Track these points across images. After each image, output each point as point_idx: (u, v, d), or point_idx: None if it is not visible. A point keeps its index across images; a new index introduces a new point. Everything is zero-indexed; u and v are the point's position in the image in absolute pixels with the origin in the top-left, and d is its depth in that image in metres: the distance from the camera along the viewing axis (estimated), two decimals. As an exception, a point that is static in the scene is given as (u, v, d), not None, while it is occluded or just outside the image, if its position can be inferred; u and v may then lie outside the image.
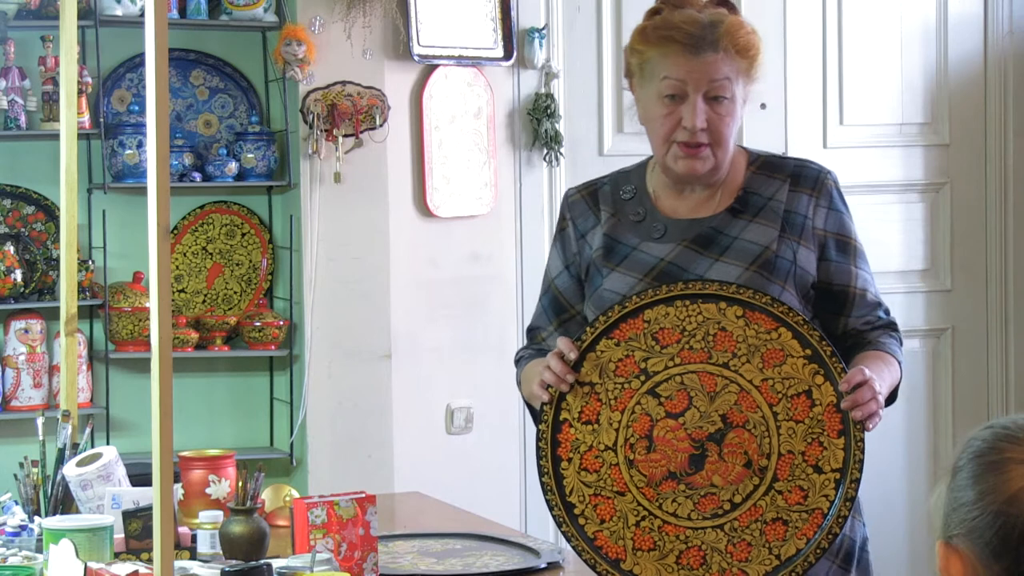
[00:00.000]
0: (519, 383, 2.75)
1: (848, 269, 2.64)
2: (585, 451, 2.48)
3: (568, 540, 2.47)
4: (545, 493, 2.49)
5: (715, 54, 2.53)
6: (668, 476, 2.45)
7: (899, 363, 2.61)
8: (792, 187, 2.63)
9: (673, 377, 2.46)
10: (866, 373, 2.41)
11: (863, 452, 2.40)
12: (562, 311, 2.73)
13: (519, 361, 2.77)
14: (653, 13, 2.61)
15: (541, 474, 2.48)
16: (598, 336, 2.48)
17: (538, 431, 2.50)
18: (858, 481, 2.39)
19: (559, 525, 2.48)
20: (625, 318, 2.48)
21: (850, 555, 2.63)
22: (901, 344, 2.66)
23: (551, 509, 2.49)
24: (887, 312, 2.68)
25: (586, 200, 2.73)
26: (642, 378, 2.47)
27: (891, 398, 2.59)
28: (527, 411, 2.75)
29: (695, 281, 2.49)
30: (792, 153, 4.80)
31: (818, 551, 2.39)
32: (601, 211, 2.70)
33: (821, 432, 2.42)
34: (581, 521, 2.47)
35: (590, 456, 2.48)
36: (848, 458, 2.40)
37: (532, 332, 2.80)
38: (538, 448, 2.49)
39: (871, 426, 2.41)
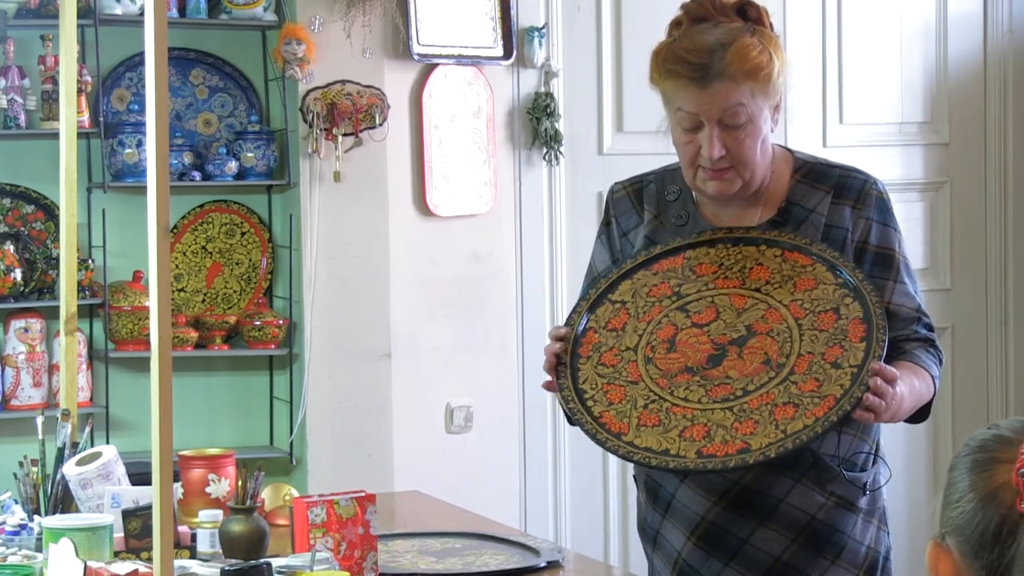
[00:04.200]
0: None
1: (884, 284, 2.54)
2: (605, 351, 2.48)
3: (572, 416, 2.45)
4: (559, 378, 2.47)
5: (722, 83, 2.47)
6: (684, 370, 2.42)
7: (933, 378, 2.51)
8: (835, 199, 2.57)
9: (704, 297, 2.47)
10: (896, 373, 2.35)
11: (883, 351, 2.35)
12: None
13: None
14: (675, 26, 2.55)
15: (558, 375, 2.48)
16: (637, 267, 2.51)
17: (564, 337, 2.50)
18: (875, 373, 2.32)
19: (566, 402, 2.45)
20: (666, 255, 2.51)
21: (874, 566, 2.59)
22: (940, 363, 2.55)
23: (561, 391, 2.47)
24: (929, 328, 2.57)
25: (630, 197, 2.70)
26: (673, 298, 2.48)
27: (923, 414, 2.52)
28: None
29: (739, 228, 2.53)
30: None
31: (825, 424, 2.31)
32: (645, 210, 2.66)
33: (843, 338, 2.39)
34: (590, 404, 2.45)
35: (609, 355, 2.47)
36: (868, 355, 2.35)
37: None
38: (558, 356, 2.49)
39: (866, 415, 2.34)
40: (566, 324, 2.53)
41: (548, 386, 2.52)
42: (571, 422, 2.50)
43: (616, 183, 2.74)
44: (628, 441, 2.39)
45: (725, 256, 2.49)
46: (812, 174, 2.61)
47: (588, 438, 2.45)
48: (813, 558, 2.53)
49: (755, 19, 2.53)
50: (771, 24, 2.56)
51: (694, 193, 2.64)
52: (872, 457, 2.61)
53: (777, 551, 2.52)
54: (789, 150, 2.65)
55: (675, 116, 2.53)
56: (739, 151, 2.51)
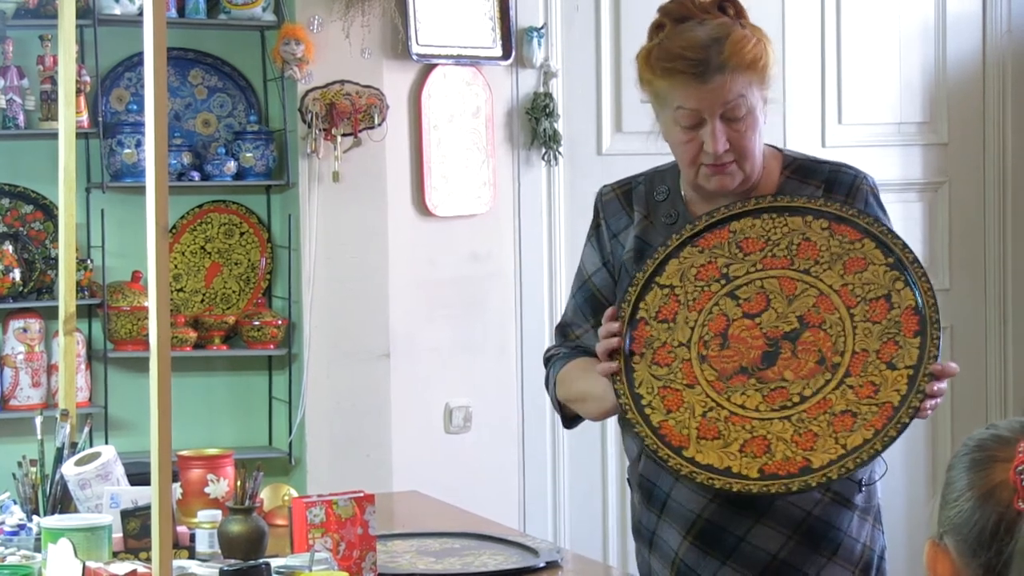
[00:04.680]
0: (551, 383, 2.70)
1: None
2: (658, 347, 2.47)
3: (632, 427, 2.44)
4: (614, 383, 2.46)
5: (723, 76, 2.46)
6: (739, 371, 2.42)
7: None
8: (826, 193, 2.57)
9: (753, 281, 2.46)
10: (951, 368, 2.38)
11: (938, 350, 2.37)
12: (599, 309, 2.64)
13: (550, 359, 2.73)
14: (657, 28, 2.54)
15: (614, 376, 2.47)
16: (683, 243, 2.49)
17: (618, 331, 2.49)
18: (932, 376, 2.34)
19: (624, 412, 2.45)
20: (711, 228, 2.49)
21: (869, 565, 2.59)
22: None
23: (618, 397, 2.45)
24: None
25: (620, 199, 2.70)
26: (722, 282, 2.46)
27: None
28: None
29: (784, 196, 2.50)
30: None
31: (885, 439, 2.33)
32: (634, 211, 2.66)
33: (897, 332, 2.38)
34: (648, 411, 2.44)
35: (663, 352, 2.46)
36: (923, 355, 2.36)
37: (564, 329, 2.73)
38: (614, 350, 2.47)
39: (922, 416, 2.37)
40: (617, 314, 2.50)
41: (607, 370, 2.49)
42: (624, 427, 2.50)
43: (605, 185, 2.75)
44: (690, 458, 2.40)
45: (772, 229, 2.48)
46: (802, 170, 2.62)
47: (648, 455, 2.46)
48: (810, 555, 2.53)
49: (736, 14, 2.53)
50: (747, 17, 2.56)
51: (683, 192, 2.64)
52: None
53: (774, 548, 2.53)
54: (777, 148, 2.65)
55: (673, 115, 2.52)
56: (741, 143, 2.51)
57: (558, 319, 2.84)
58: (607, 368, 2.48)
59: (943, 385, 2.37)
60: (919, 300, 2.40)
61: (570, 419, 2.70)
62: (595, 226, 2.72)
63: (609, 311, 2.52)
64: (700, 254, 2.49)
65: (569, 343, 2.71)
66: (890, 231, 2.44)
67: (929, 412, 2.37)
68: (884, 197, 2.66)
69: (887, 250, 2.42)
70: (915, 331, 2.39)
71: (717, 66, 2.46)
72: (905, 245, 2.43)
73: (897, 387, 2.37)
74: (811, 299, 2.43)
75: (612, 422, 4.46)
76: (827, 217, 2.46)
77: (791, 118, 5.29)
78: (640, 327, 2.48)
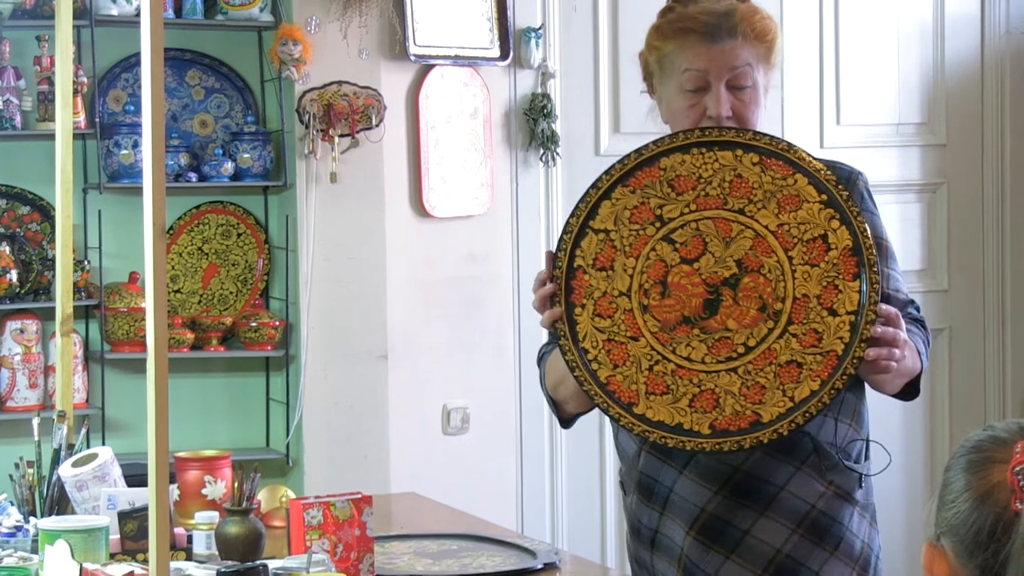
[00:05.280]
0: (542, 380, 2.71)
1: (880, 271, 2.58)
2: (599, 297, 2.46)
3: (581, 385, 2.45)
4: (559, 338, 2.46)
5: (733, 40, 2.52)
6: (682, 321, 2.42)
7: (920, 354, 2.55)
8: None
9: (688, 223, 2.44)
10: (894, 310, 2.38)
11: (879, 295, 2.37)
12: None
13: (542, 358, 2.73)
14: (666, 11, 2.59)
15: (556, 326, 2.46)
16: (614, 183, 2.47)
17: (552, 277, 2.47)
18: (873, 322, 2.35)
19: (572, 370, 2.45)
20: (641, 166, 2.46)
21: (867, 563, 2.60)
22: (928, 344, 2.61)
23: (564, 354, 2.46)
24: (917, 309, 2.65)
25: (588, 189, 2.70)
26: (657, 224, 2.45)
27: (911, 390, 2.56)
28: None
29: (712, 129, 2.47)
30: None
31: (832, 392, 2.36)
32: None
33: (836, 276, 2.39)
34: (594, 366, 2.44)
35: (604, 302, 2.46)
36: (863, 300, 2.37)
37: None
38: (552, 295, 2.47)
39: (879, 370, 2.37)
40: (554, 263, 2.49)
41: (551, 318, 2.48)
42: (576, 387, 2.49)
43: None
44: (640, 415, 2.41)
45: (702, 165, 2.44)
46: None
47: (600, 411, 2.46)
48: (813, 549, 2.54)
49: None
50: None
51: None
52: (864, 451, 2.63)
53: (778, 542, 2.53)
54: None
55: (679, 80, 2.55)
56: (744, 114, 2.54)
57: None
58: (551, 316, 2.47)
59: (890, 330, 2.37)
60: (856, 240, 2.39)
61: (567, 420, 2.70)
62: None
63: (547, 254, 2.51)
64: (632, 194, 2.46)
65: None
66: (823, 165, 2.42)
67: (884, 363, 2.37)
68: (882, 198, 2.67)
69: (820, 186, 2.41)
70: (853, 274, 2.39)
71: (728, 29, 2.52)
72: (838, 182, 2.41)
73: (840, 335, 2.38)
74: (748, 241, 2.42)
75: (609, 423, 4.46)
76: (757, 151, 2.43)
77: (789, 118, 5.30)
78: (579, 276, 2.47)
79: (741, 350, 2.41)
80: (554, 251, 2.48)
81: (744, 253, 2.42)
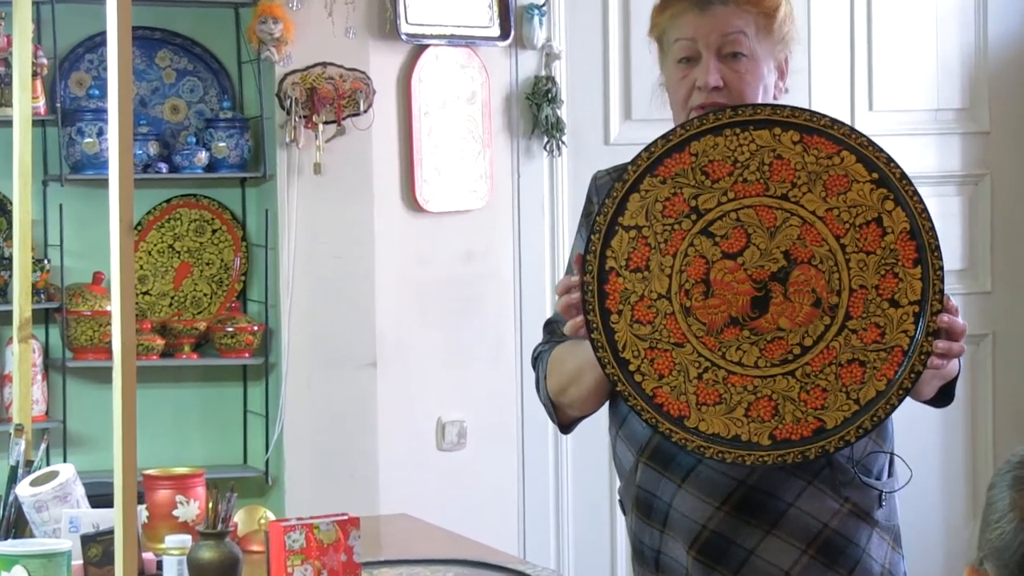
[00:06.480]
0: (540, 382, 2.70)
1: None
2: (636, 301, 2.44)
3: (625, 400, 2.43)
4: (596, 351, 2.44)
5: (724, 7, 2.55)
6: (730, 322, 2.41)
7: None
8: None
9: (727, 214, 2.42)
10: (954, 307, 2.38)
11: (943, 281, 2.36)
12: None
13: (538, 357, 2.73)
14: None
15: (591, 330, 2.43)
16: (641, 174, 2.45)
17: (583, 282, 2.45)
18: (939, 312, 2.34)
19: (614, 385, 2.44)
20: (670, 153, 2.44)
21: None
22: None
23: (604, 367, 2.44)
24: None
25: (614, 183, 2.72)
26: (693, 217, 2.43)
27: (946, 396, 2.57)
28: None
29: (745, 108, 2.44)
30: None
31: (900, 392, 2.35)
32: None
33: (895, 263, 2.38)
34: (638, 378, 2.42)
35: (642, 306, 2.44)
36: (927, 288, 2.36)
37: (552, 326, 2.73)
38: (584, 302, 2.44)
39: (936, 365, 2.37)
40: (583, 266, 2.46)
41: (575, 328, 2.47)
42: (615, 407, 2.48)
43: (599, 170, 2.77)
44: (693, 428, 2.40)
45: (737, 148, 2.42)
46: None
47: (648, 428, 2.45)
48: (825, 572, 2.54)
49: None
50: None
51: None
52: (888, 467, 2.63)
53: (787, 564, 2.53)
54: None
55: (673, 50, 2.58)
56: (737, 86, 2.55)
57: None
58: (576, 325, 2.46)
59: (958, 321, 2.37)
60: (914, 222, 2.38)
61: (566, 425, 2.70)
62: (587, 213, 2.73)
63: (576, 258, 2.49)
64: (663, 185, 2.44)
65: (556, 339, 2.71)
66: (870, 142, 2.40)
67: (944, 362, 2.37)
68: (920, 191, 2.66)
69: (870, 164, 2.39)
70: (913, 259, 2.38)
71: None
72: (890, 158, 2.39)
73: (904, 328, 2.37)
74: (795, 230, 2.41)
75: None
76: (797, 128, 2.41)
77: (817, 104, 5.29)
78: (612, 279, 2.45)
79: (797, 351, 2.39)
80: (583, 253, 2.47)
81: (792, 243, 2.41)
